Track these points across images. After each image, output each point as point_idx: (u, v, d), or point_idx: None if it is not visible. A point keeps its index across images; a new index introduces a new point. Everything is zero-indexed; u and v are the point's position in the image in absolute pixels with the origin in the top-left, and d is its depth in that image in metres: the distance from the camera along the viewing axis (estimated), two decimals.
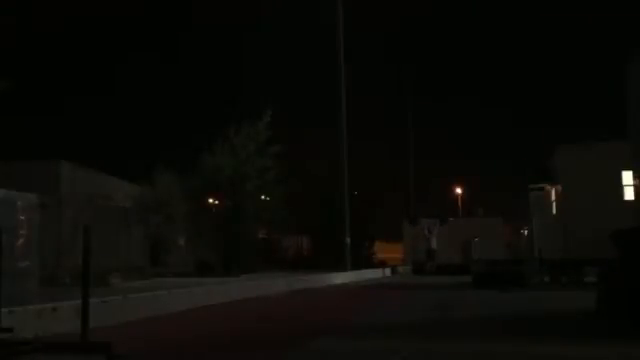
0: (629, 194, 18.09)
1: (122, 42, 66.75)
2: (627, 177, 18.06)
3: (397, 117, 49.27)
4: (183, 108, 61.48)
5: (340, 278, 21.83)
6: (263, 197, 24.39)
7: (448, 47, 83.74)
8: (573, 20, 71.33)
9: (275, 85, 58.67)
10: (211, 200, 24.32)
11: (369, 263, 35.63)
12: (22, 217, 8.26)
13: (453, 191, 57.06)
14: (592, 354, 5.24)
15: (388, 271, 31.52)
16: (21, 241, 8.12)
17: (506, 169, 59.04)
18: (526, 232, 33.56)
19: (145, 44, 67.50)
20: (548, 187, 18.83)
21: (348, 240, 26.44)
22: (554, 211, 18.33)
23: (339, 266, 25.46)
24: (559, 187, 17.83)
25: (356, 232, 29.71)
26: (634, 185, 13.33)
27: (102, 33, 63.06)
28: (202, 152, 22.62)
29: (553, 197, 18.48)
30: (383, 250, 44.46)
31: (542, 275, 17.66)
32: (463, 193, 56.99)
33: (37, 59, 51.57)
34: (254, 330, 7.39)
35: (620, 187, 18.87)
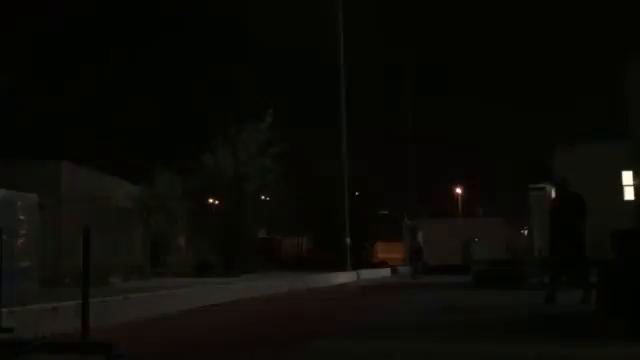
0: (629, 194, 18.10)
1: (122, 40, 66.76)
2: (627, 177, 18.06)
3: (397, 117, 49.27)
4: (183, 108, 61.46)
5: (340, 278, 21.84)
6: (263, 197, 24.41)
7: (449, 46, 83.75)
8: (574, 19, 71.32)
9: (275, 84, 58.65)
10: (211, 200, 24.34)
11: (369, 263, 35.64)
12: (22, 217, 8.27)
13: (453, 191, 57.13)
14: (592, 354, 5.24)
15: (388, 271, 31.53)
16: (21, 241, 8.13)
17: (506, 169, 59.04)
18: (526, 232, 33.54)
19: (145, 42, 67.49)
20: (548, 187, 18.82)
21: (348, 240, 26.48)
22: None
23: (339, 266, 25.48)
24: None
25: (356, 232, 29.71)
26: (634, 185, 13.34)
27: (101, 30, 63.04)
28: (202, 152, 22.64)
29: (553, 197, 18.45)
30: (384, 250, 44.50)
31: (542, 275, 17.63)
32: (463, 193, 57.06)
33: (37, 56, 51.57)
34: (254, 330, 7.39)
35: (620, 187, 18.87)
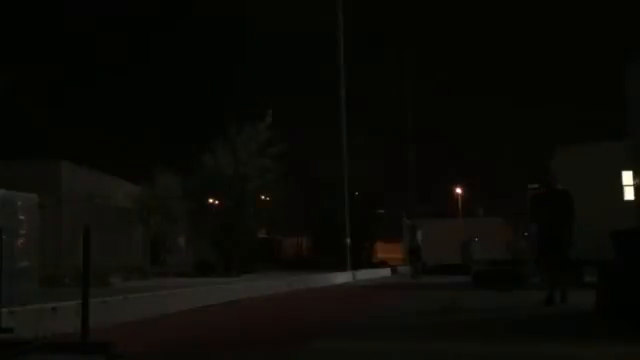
0: (629, 194, 18.07)
1: (122, 40, 66.78)
2: (627, 177, 18.02)
3: (397, 118, 49.28)
4: (183, 108, 61.49)
5: (340, 278, 21.85)
6: (263, 197, 24.42)
7: (449, 47, 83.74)
8: (574, 19, 71.32)
9: (275, 85, 58.67)
10: (211, 200, 24.33)
11: (370, 263, 35.66)
12: (22, 217, 8.26)
13: (453, 191, 57.16)
14: (592, 354, 5.24)
15: (388, 271, 31.53)
16: (21, 241, 8.12)
17: (506, 169, 59.06)
18: (526, 232, 33.46)
19: (145, 42, 67.51)
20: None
21: (348, 240, 26.48)
22: None
23: (339, 266, 25.49)
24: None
25: (356, 232, 29.71)
26: (634, 185, 13.33)
27: (101, 31, 63.04)
28: (202, 152, 22.64)
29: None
30: (383, 250, 44.52)
31: (542, 275, 17.63)
32: (463, 193, 57.08)
33: (38, 56, 51.58)
34: (254, 330, 7.39)
35: (620, 187, 18.82)
